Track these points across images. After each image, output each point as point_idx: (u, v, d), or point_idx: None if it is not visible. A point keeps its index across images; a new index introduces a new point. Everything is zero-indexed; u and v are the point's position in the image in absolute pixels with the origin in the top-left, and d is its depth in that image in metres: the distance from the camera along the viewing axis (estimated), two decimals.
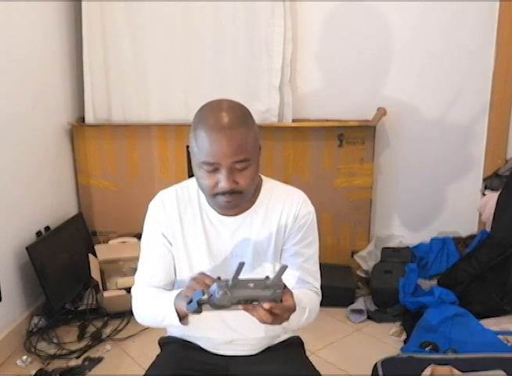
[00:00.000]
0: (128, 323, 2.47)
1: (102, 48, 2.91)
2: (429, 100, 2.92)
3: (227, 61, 2.88)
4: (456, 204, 3.03)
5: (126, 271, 2.66)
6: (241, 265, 0.99)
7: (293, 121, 2.91)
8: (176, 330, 1.42)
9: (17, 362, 2.19)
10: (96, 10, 2.85)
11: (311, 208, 1.34)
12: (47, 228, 2.62)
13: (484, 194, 2.83)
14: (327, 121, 2.88)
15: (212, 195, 1.21)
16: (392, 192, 3.06)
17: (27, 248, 2.33)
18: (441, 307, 2.30)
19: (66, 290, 2.54)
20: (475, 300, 2.40)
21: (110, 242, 2.89)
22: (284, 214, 1.31)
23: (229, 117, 1.16)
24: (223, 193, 1.19)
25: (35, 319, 2.41)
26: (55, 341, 2.33)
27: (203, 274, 1.12)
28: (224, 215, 1.30)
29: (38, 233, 2.54)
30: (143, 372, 1.32)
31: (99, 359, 2.22)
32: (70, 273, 2.61)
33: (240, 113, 1.20)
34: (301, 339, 1.45)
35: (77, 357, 2.23)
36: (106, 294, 2.53)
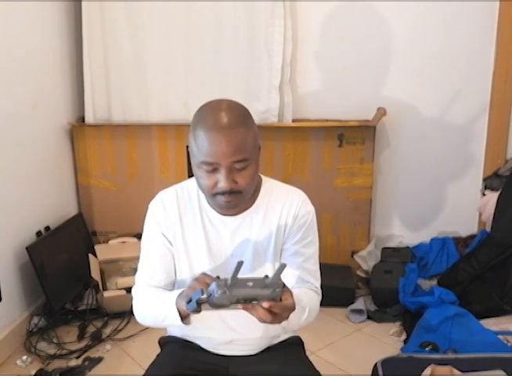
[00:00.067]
0: (128, 323, 2.47)
1: (102, 48, 2.91)
2: (429, 100, 2.92)
3: (227, 61, 2.88)
4: (456, 204, 3.03)
5: (126, 271, 2.66)
6: (240, 264, 0.99)
7: (293, 121, 2.91)
8: (177, 329, 1.42)
9: (17, 362, 2.19)
10: (96, 10, 2.85)
11: (310, 208, 1.34)
12: (47, 228, 2.62)
13: (484, 194, 2.83)
14: (327, 121, 2.88)
15: (212, 195, 1.21)
16: (392, 192, 3.06)
17: (27, 248, 2.33)
18: (441, 307, 2.30)
19: (66, 290, 2.54)
20: (475, 300, 2.40)
21: (110, 242, 2.89)
22: (284, 213, 1.31)
23: (228, 117, 1.16)
24: (222, 193, 1.19)
25: (35, 319, 2.41)
26: (55, 341, 2.33)
27: (204, 274, 1.13)
28: (224, 214, 1.30)
29: (38, 233, 2.54)
30: (143, 372, 1.32)
31: (99, 359, 2.22)
32: (70, 273, 2.61)
33: (239, 113, 1.20)
34: (301, 339, 1.45)
35: (77, 357, 2.23)
36: (106, 294, 2.53)
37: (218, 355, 1.37)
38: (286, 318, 1.10)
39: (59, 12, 2.82)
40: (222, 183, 1.17)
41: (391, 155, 3.00)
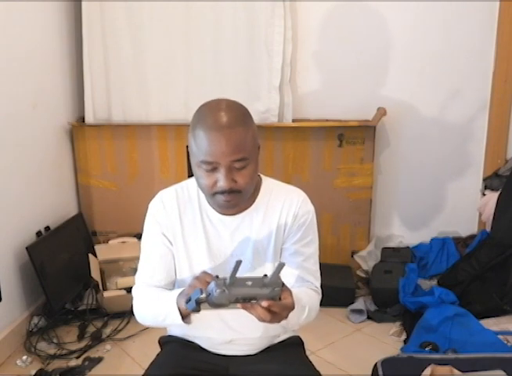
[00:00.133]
0: (128, 323, 2.47)
1: (102, 48, 2.91)
2: (429, 100, 2.92)
3: (227, 61, 2.88)
4: (456, 204, 3.02)
5: (126, 271, 2.66)
6: (238, 264, 0.99)
7: (293, 121, 2.91)
8: (177, 329, 1.42)
9: (17, 362, 2.19)
10: (96, 10, 2.85)
11: (310, 207, 1.34)
12: (47, 228, 2.62)
13: (484, 194, 2.83)
14: (327, 121, 2.88)
15: (211, 194, 1.22)
16: (392, 192, 3.06)
17: (27, 248, 2.33)
18: (441, 307, 2.30)
19: (66, 290, 2.54)
20: (475, 300, 2.40)
21: (110, 242, 2.89)
22: (284, 213, 1.31)
23: (228, 117, 1.17)
24: (222, 192, 1.19)
25: (35, 319, 2.41)
26: (55, 341, 2.33)
27: (205, 273, 1.13)
28: (224, 214, 1.30)
29: (38, 233, 2.54)
30: (143, 372, 1.32)
31: (99, 359, 2.22)
32: (70, 273, 2.61)
33: (239, 113, 1.20)
34: (301, 339, 1.45)
35: (77, 357, 2.23)
36: (106, 294, 2.53)
37: (218, 355, 1.37)
38: (286, 317, 1.10)
39: (59, 12, 2.82)
40: (222, 182, 1.18)
41: (391, 155, 3.00)
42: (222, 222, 1.31)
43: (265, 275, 1.04)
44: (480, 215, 2.87)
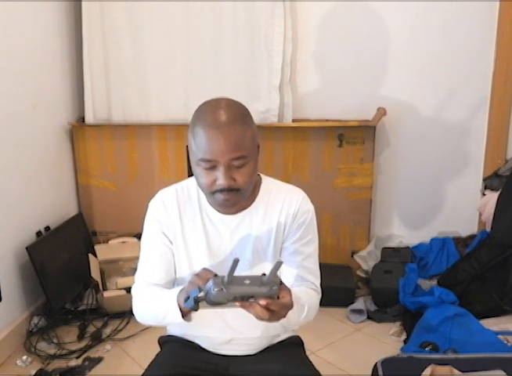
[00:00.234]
0: (128, 323, 2.47)
1: (102, 48, 2.91)
2: (429, 100, 2.92)
3: (227, 61, 2.88)
4: (456, 204, 3.02)
5: (126, 271, 2.66)
6: (236, 262, 0.99)
7: (293, 121, 2.91)
8: (176, 329, 1.42)
9: (17, 362, 2.19)
10: (96, 10, 2.85)
11: (310, 206, 1.35)
12: (47, 228, 2.62)
13: (484, 194, 2.83)
14: (327, 121, 2.88)
15: (210, 193, 1.22)
16: (392, 192, 3.06)
17: (27, 248, 2.33)
18: (441, 307, 2.30)
19: (66, 290, 2.54)
20: (475, 300, 2.40)
21: (110, 242, 2.89)
22: (284, 212, 1.31)
23: (227, 115, 1.17)
24: (221, 191, 1.19)
25: (35, 319, 2.41)
26: (55, 341, 2.33)
27: (205, 270, 1.13)
28: (223, 213, 1.31)
29: (38, 233, 2.54)
30: (143, 372, 1.32)
31: (99, 359, 2.22)
32: (70, 273, 2.61)
33: (238, 112, 1.21)
34: (300, 339, 1.45)
35: (77, 357, 2.23)
36: (106, 294, 2.53)
37: (217, 355, 1.37)
38: (284, 316, 1.10)
39: (59, 12, 2.82)
40: (221, 181, 1.18)
41: (391, 155, 3.00)
42: (222, 221, 1.31)
43: (264, 274, 1.04)
44: (480, 215, 2.87)
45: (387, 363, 1.77)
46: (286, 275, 1.30)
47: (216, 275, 1.04)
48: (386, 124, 2.93)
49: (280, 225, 1.31)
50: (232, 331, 1.34)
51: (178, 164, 2.90)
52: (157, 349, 1.45)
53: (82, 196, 3.03)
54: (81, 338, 2.36)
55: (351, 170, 2.82)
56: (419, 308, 2.38)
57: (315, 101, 2.97)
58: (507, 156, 2.89)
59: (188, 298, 1.08)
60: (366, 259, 2.85)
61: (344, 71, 2.94)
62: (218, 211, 1.31)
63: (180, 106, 2.93)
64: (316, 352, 2.23)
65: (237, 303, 1.04)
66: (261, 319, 1.06)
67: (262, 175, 1.36)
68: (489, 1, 2.76)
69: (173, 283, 1.34)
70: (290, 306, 1.10)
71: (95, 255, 2.68)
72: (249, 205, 1.31)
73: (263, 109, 2.87)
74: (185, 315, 1.20)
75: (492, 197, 2.66)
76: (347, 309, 2.59)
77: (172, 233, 1.32)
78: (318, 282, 1.36)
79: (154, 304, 1.27)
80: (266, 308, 1.04)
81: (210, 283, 1.02)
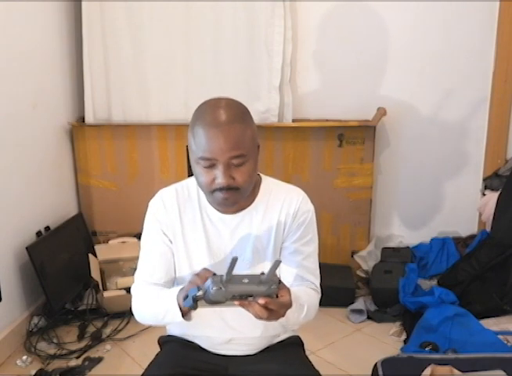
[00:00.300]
0: (128, 323, 2.47)
1: (102, 48, 2.91)
2: (429, 100, 2.92)
3: (227, 61, 2.88)
4: (456, 204, 3.02)
5: (126, 271, 2.66)
6: (234, 261, 0.99)
7: (293, 121, 2.91)
8: (176, 329, 1.42)
9: (17, 362, 2.19)
10: (96, 10, 2.85)
11: (310, 206, 1.35)
12: (47, 228, 2.62)
13: (484, 194, 2.83)
14: (327, 121, 2.88)
15: (210, 191, 1.22)
16: (392, 192, 3.06)
17: (27, 248, 2.33)
18: (441, 307, 2.30)
19: (66, 290, 2.54)
20: (475, 300, 2.40)
21: (110, 242, 2.89)
22: (283, 211, 1.32)
23: (227, 114, 1.17)
24: (220, 189, 1.20)
25: (35, 319, 2.41)
26: (55, 341, 2.33)
27: (205, 269, 1.13)
28: (223, 212, 1.31)
29: (38, 233, 2.54)
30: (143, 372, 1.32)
31: (99, 359, 2.22)
32: (70, 273, 2.61)
33: (238, 111, 1.21)
34: (300, 339, 1.45)
35: (77, 357, 2.23)
36: (106, 294, 2.53)
37: (217, 355, 1.37)
38: (283, 315, 1.10)
39: (59, 12, 2.82)
40: (220, 179, 1.18)
41: (391, 155, 3.00)
42: (222, 220, 1.31)
43: (262, 272, 1.04)
44: (480, 215, 2.87)
45: (387, 363, 1.77)
46: (286, 274, 1.30)
47: (215, 274, 1.04)
48: (386, 124, 2.93)
49: (280, 225, 1.31)
50: (231, 331, 1.34)
51: (178, 164, 2.90)
52: (157, 349, 1.45)
53: (82, 196, 3.03)
54: (81, 338, 2.36)
55: (351, 170, 2.82)
56: (419, 308, 2.38)
57: (315, 101, 2.97)
58: (507, 156, 2.89)
59: (187, 297, 1.08)
60: (366, 259, 2.85)
61: (344, 71, 2.94)
62: (218, 210, 1.31)
63: (180, 106, 2.93)
64: (316, 352, 2.23)
65: (236, 302, 1.04)
66: (259, 318, 1.06)
67: (262, 175, 1.36)
68: (489, 1, 2.76)
69: (173, 282, 1.34)
70: (288, 305, 1.10)
71: (95, 255, 2.68)
72: (249, 205, 1.31)
73: (263, 109, 2.87)
74: (184, 314, 1.20)
75: (492, 197, 2.66)
76: (347, 309, 2.59)
77: (172, 232, 1.32)
78: (317, 282, 1.36)
79: (154, 303, 1.27)
80: (265, 307, 1.04)
81: (208, 282, 1.02)
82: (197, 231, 1.32)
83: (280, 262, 1.03)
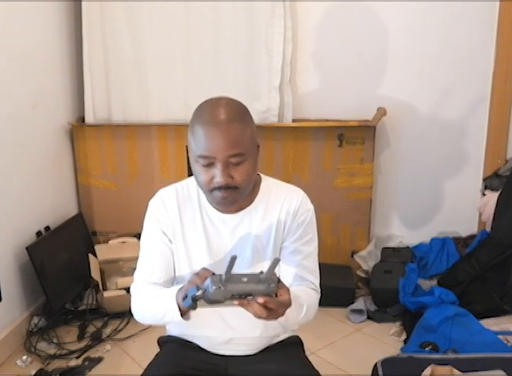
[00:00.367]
0: (128, 323, 2.47)
1: (102, 48, 2.91)
2: (429, 100, 2.92)
3: (227, 61, 2.88)
4: (456, 204, 3.02)
5: (126, 271, 2.66)
6: (233, 259, 0.99)
7: (293, 121, 2.91)
8: (175, 329, 1.42)
9: (17, 362, 2.19)
10: (96, 10, 2.85)
11: (310, 206, 1.35)
12: (47, 228, 2.62)
13: (484, 194, 2.83)
14: (327, 121, 2.88)
15: (209, 190, 1.22)
16: (392, 192, 3.06)
17: (27, 248, 2.33)
18: (441, 307, 2.30)
19: (66, 290, 2.54)
20: (475, 300, 2.40)
21: (110, 242, 2.89)
22: (283, 211, 1.32)
23: (226, 113, 1.18)
24: (219, 188, 1.20)
25: (35, 319, 2.41)
26: (55, 341, 2.33)
27: (205, 269, 1.13)
28: (223, 212, 1.31)
29: (38, 233, 2.54)
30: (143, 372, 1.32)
31: (99, 359, 2.22)
32: (70, 273, 2.61)
33: (237, 110, 1.21)
34: (300, 339, 1.45)
35: (77, 357, 2.23)
36: (106, 294, 2.53)
37: (217, 355, 1.37)
38: (282, 314, 1.10)
39: (59, 12, 2.82)
40: (218, 178, 1.18)
41: (391, 155, 3.00)
42: (222, 220, 1.31)
43: (261, 271, 1.04)
44: (480, 215, 2.87)
45: (387, 363, 1.77)
46: (286, 274, 1.30)
47: (214, 273, 1.04)
48: (386, 124, 2.93)
49: (280, 224, 1.31)
50: (231, 331, 1.34)
51: (178, 164, 2.90)
52: (157, 349, 1.45)
53: (82, 196, 3.03)
54: (81, 338, 2.36)
55: (351, 170, 2.82)
56: (419, 308, 2.38)
57: (315, 101, 2.97)
58: (507, 156, 2.89)
59: (186, 296, 1.08)
60: (366, 259, 2.85)
61: (344, 71, 2.94)
62: (218, 210, 1.31)
63: (180, 106, 2.93)
64: (316, 352, 2.23)
65: (235, 301, 1.04)
66: (259, 317, 1.06)
67: (262, 175, 1.36)
68: (489, 1, 2.76)
69: (172, 282, 1.34)
70: (288, 304, 1.10)
71: (95, 255, 2.68)
72: (249, 204, 1.31)
73: (263, 109, 2.87)
74: (183, 314, 1.19)
75: (492, 197, 2.66)
76: (347, 309, 2.59)
77: (172, 232, 1.32)
78: (317, 281, 1.36)
79: (153, 303, 1.27)
80: (264, 306, 1.04)
81: (208, 282, 1.02)
82: (197, 231, 1.32)
83: (279, 260, 1.03)
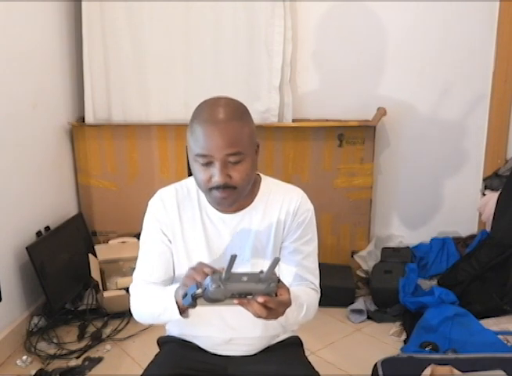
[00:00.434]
0: (128, 323, 2.47)
1: (102, 48, 2.91)
2: (429, 100, 2.92)
3: (227, 61, 2.88)
4: (456, 204, 3.02)
5: (126, 271, 2.66)
6: (233, 258, 0.99)
7: (293, 121, 2.91)
8: (175, 329, 1.42)
9: (17, 362, 2.19)
10: (96, 10, 2.85)
11: (310, 205, 1.35)
12: (47, 228, 2.62)
13: (484, 194, 2.83)
14: (327, 121, 2.88)
15: (207, 190, 1.22)
16: (392, 192, 3.06)
17: (27, 248, 2.33)
18: (441, 307, 2.30)
19: (66, 290, 2.54)
20: (475, 300, 2.40)
21: (110, 242, 2.89)
22: (283, 211, 1.32)
23: (225, 112, 1.18)
24: (217, 187, 1.20)
25: (35, 319, 2.41)
26: (55, 341, 2.33)
27: (201, 263, 1.12)
28: (222, 212, 1.31)
29: (38, 233, 2.54)
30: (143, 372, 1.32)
31: (99, 359, 2.22)
32: (70, 273, 2.61)
33: (236, 109, 1.21)
34: (299, 339, 1.45)
35: (77, 357, 2.23)
36: (106, 294, 2.53)
37: (216, 355, 1.37)
38: (282, 314, 1.10)
39: (59, 12, 2.82)
40: (216, 177, 1.18)
41: (391, 155, 3.00)
42: (222, 220, 1.31)
43: (261, 271, 1.04)
44: (480, 215, 2.87)
45: (387, 363, 1.77)
46: (286, 274, 1.30)
47: (214, 271, 1.04)
48: (386, 124, 2.93)
49: (280, 223, 1.31)
50: (231, 331, 1.34)
51: (178, 164, 2.90)
52: (157, 349, 1.45)
53: (82, 196, 3.03)
54: (81, 338, 2.36)
55: (351, 170, 2.82)
56: (419, 308, 2.38)
57: (315, 101, 2.97)
58: (507, 156, 2.89)
59: (186, 295, 1.08)
60: (366, 259, 2.85)
61: (344, 71, 2.94)
62: (218, 209, 1.31)
63: (180, 106, 2.93)
64: (316, 352, 2.23)
65: (235, 300, 1.04)
66: (259, 316, 1.06)
67: (262, 175, 1.36)
68: (489, 1, 2.76)
69: (171, 282, 1.34)
70: (287, 304, 1.10)
71: (95, 255, 2.68)
72: (248, 204, 1.31)
73: (263, 109, 2.87)
74: (182, 312, 1.19)
75: (492, 197, 2.66)
76: (347, 309, 2.59)
77: (171, 232, 1.32)
78: (317, 281, 1.36)
79: (152, 301, 1.27)
80: (264, 305, 1.04)
81: (208, 280, 1.03)
82: (197, 230, 1.32)
83: (279, 259, 1.03)
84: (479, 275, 2.46)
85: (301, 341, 1.45)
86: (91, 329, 2.43)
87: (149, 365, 1.34)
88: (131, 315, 1.38)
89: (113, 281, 2.63)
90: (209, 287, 1.01)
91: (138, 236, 2.59)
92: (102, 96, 2.97)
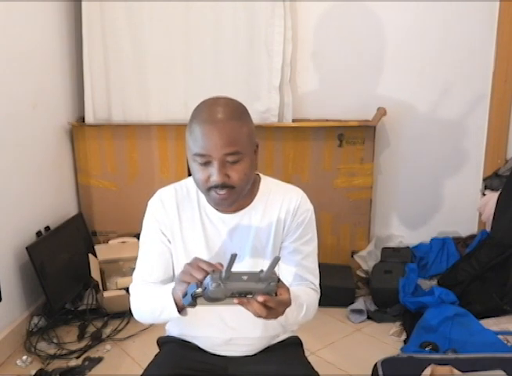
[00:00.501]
0: (128, 323, 2.47)
1: (102, 48, 2.91)
2: (429, 100, 2.92)
3: (227, 61, 2.88)
4: (456, 204, 3.02)
5: (126, 271, 2.66)
6: (233, 257, 0.99)
7: (293, 121, 2.91)
8: (175, 329, 1.42)
9: (17, 362, 2.19)
10: (96, 10, 2.85)
11: (309, 205, 1.35)
12: (47, 228, 2.62)
13: (484, 194, 2.83)
14: (327, 121, 2.88)
15: (206, 189, 1.22)
16: (392, 192, 3.06)
17: (27, 248, 2.33)
18: (441, 307, 2.30)
19: (66, 290, 2.54)
20: (475, 300, 2.40)
21: (110, 242, 2.89)
22: (283, 211, 1.32)
23: (223, 112, 1.18)
24: (215, 187, 1.20)
25: (35, 319, 2.41)
26: (55, 341, 2.33)
27: (197, 259, 1.12)
28: (222, 212, 1.31)
29: (38, 233, 2.54)
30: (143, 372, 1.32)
31: (99, 359, 2.22)
32: (70, 273, 2.61)
33: (235, 109, 1.21)
34: (299, 339, 1.45)
35: (77, 357, 2.24)
36: (106, 294, 2.53)
37: (216, 355, 1.37)
38: (282, 313, 1.09)
39: (59, 12, 2.82)
40: (214, 176, 1.18)
41: (391, 155, 3.00)
42: (221, 219, 1.31)
43: (261, 270, 1.04)
44: (480, 215, 2.87)
45: (387, 363, 1.77)
46: (285, 274, 1.30)
47: (213, 270, 1.04)
48: (386, 124, 2.93)
49: (280, 223, 1.31)
50: (231, 331, 1.34)
51: (178, 164, 2.90)
52: (157, 349, 1.45)
53: (82, 196, 3.03)
54: (81, 338, 2.36)
55: (351, 170, 2.82)
56: (419, 308, 2.38)
57: (315, 101, 2.97)
58: (507, 156, 2.89)
59: (185, 294, 1.08)
60: (366, 259, 2.85)
61: (344, 71, 2.94)
62: (217, 209, 1.31)
63: (180, 106, 2.93)
64: (316, 352, 2.23)
65: (235, 300, 1.04)
66: (258, 316, 1.06)
67: (262, 175, 1.36)
68: (489, 1, 2.76)
69: (171, 281, 1.34)
70: (287, 304, 1.10)
71: (95, 255, 2.68)
72: (248, 204, 1.31)
73: (263, 109, 2.87)
74: (181, 310, 1.19)
75: (492, 197, 2.66)
76: (347, 309, 2.59)
77: (171, 232, 1.32)
78: (317, 281, 1.36)
79: (151, 301, 1.27)
80: (264, 304, 1.04)
81: (207, 279, 1.03)
82: (196, 230, 1.32)
83: (279, 258, 1.03)
84: (479, 275, 2.46)
85: (300, 342, 1.45)
86: (91, 329, 2.43)
87: (149, 365, 1.34)
88: (131, 315, 1.38)
89: (113, 281, 2.63)
90: (209, 285, 1.01)
91: (138, 236, 2.59)
92: (102, 96, 2.97)
